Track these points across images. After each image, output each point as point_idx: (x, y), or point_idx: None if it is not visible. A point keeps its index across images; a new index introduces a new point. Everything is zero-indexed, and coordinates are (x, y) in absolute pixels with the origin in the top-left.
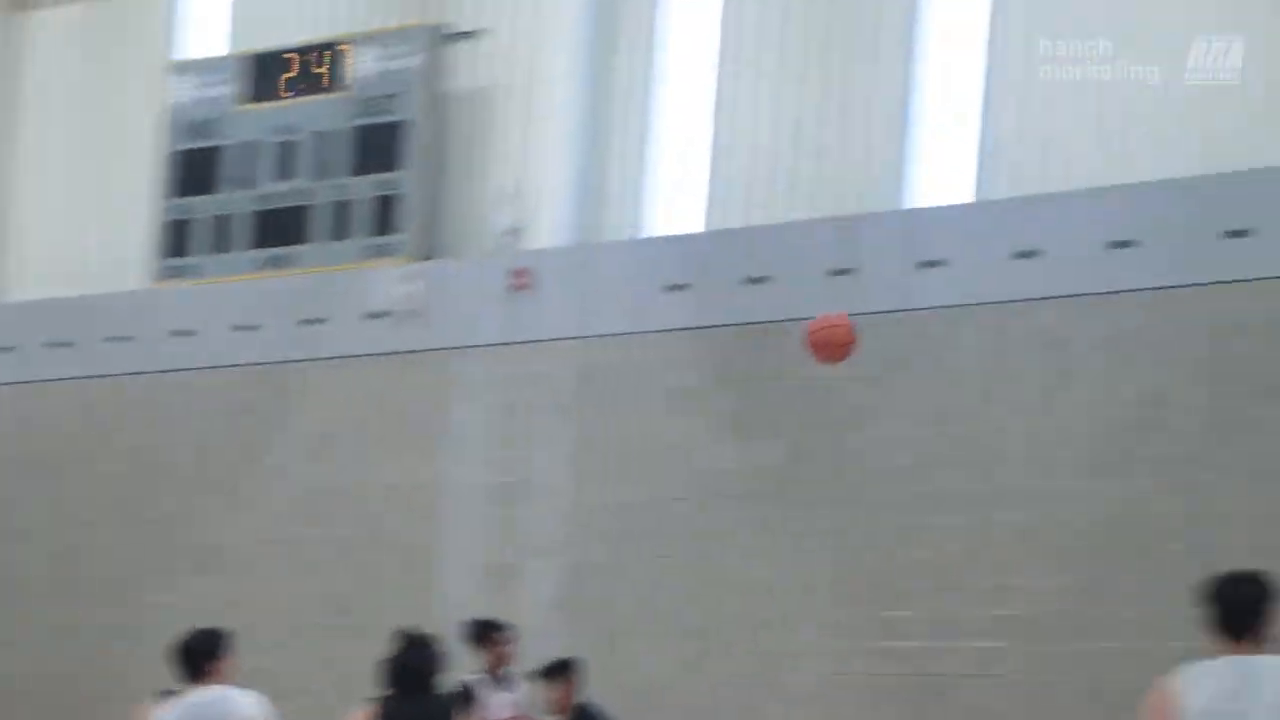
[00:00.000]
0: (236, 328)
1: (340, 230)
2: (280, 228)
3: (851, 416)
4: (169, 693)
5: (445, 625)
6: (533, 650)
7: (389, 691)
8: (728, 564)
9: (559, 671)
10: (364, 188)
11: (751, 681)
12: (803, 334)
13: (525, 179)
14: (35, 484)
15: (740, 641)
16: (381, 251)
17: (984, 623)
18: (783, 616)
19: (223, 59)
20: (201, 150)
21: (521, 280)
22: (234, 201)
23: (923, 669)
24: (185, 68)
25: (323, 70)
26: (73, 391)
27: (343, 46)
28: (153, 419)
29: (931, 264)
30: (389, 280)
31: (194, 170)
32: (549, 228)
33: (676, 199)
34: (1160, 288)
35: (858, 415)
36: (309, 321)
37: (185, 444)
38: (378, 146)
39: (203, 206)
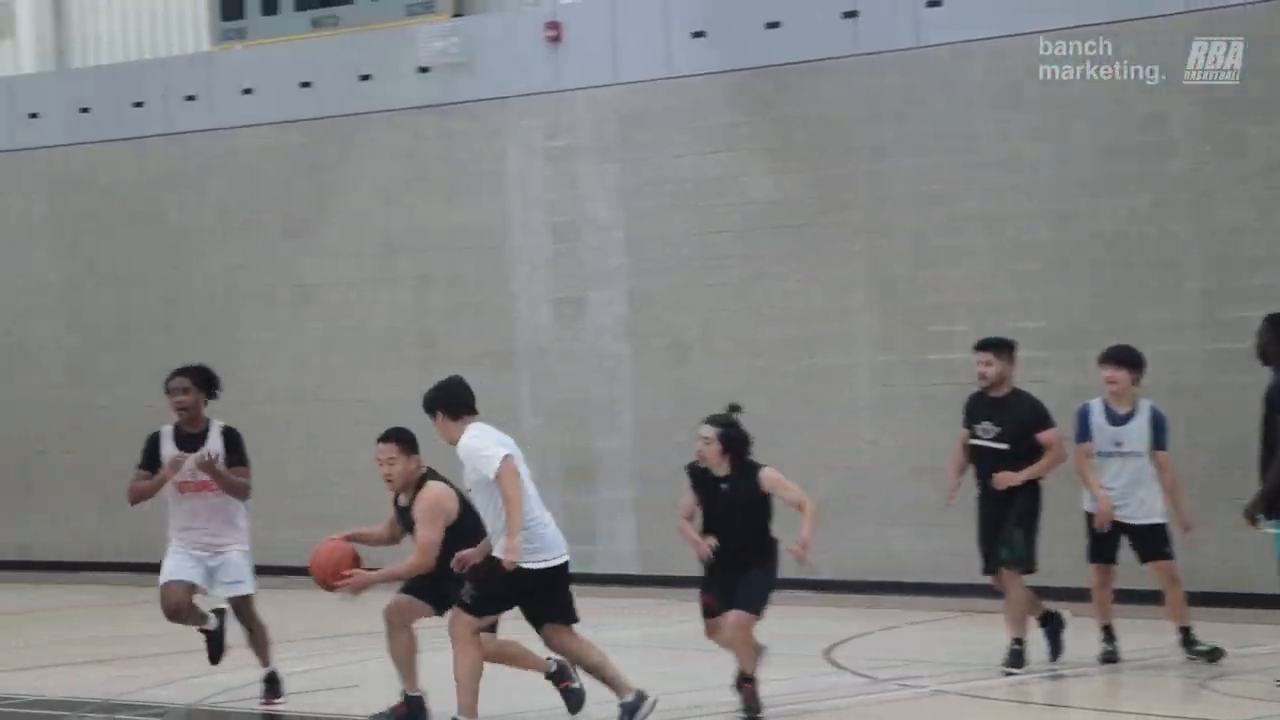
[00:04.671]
0: (296, 85)
1: None
2: None
3: (877, 150)
4: None
5: (524, 354)
6: (598, 372)
7: None
8: (774, 289)
9: None
10: None
11: (807, 397)
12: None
13: None
14: (131, 235)
15: (792, 360)
16: (423, 9)
17: (1018, 334)
18: (830, 336)
19: None
20: None
21: (554, 33)
22: None
23: (967, 379)
24: None
25: None
26: (151, 149)
27: None
28: (229, 173)
29: (938, 2)
30: (429, 36)
31: None
32: None
33: None
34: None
35: (882, 148)
36: (364, 77)
37: (263, 195)
38: None
39: None
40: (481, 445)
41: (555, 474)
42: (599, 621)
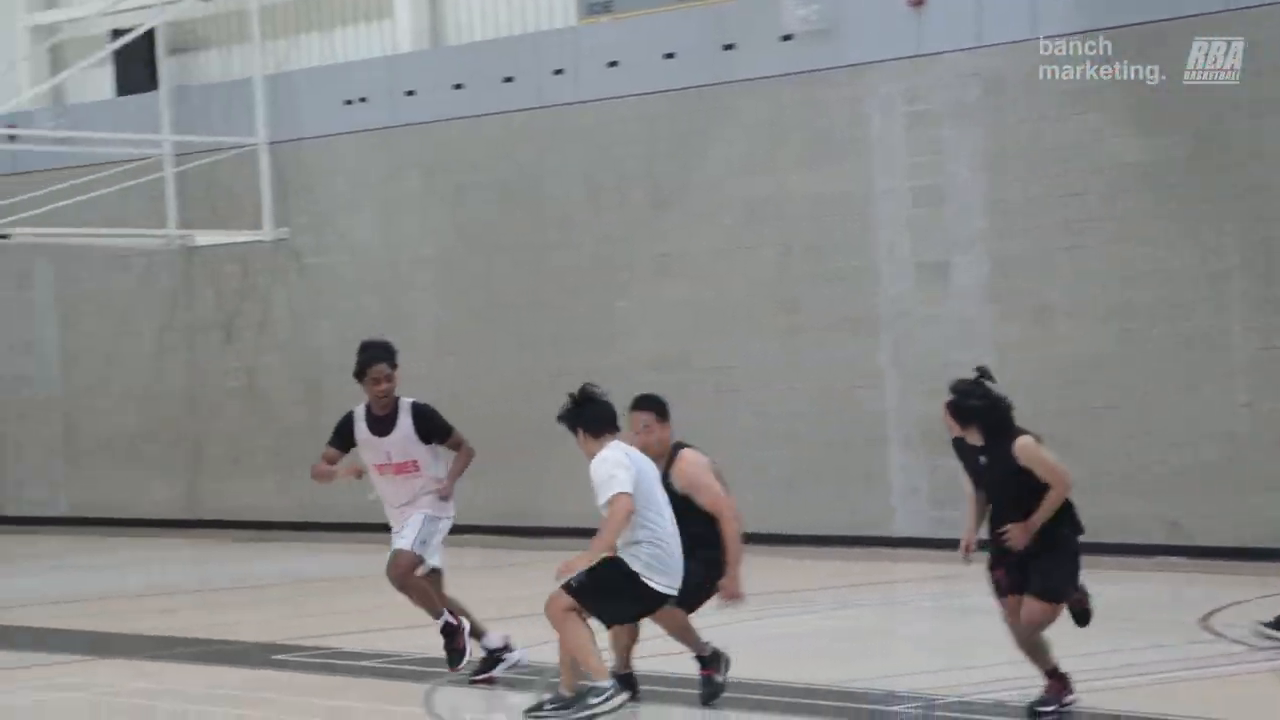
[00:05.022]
0: (660, 56)
1: None
2: None
3: (1255, 108)
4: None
5: (886, 319)
6: (961, 337)
7: None
8: (1140, 252)
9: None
10: None
11: (1175, 361)
12: None
13: None
14: (501, 208)
15: (1160, 323)
16: None
17: None
18: (1199, 299)
19: None
20: None
21: None
22: None
23: None
24: None
25: None
26: (520, 122)
27: None
28: (596, 145)
29: None
30: (792, 4)
31: None
32: None
33: None
34: None
35: (1251, 109)
36: (727, 47)
37: (629, 166)
38: None
39: None
40: (604, 471)
41: (917, 439)
42: (957, 589)
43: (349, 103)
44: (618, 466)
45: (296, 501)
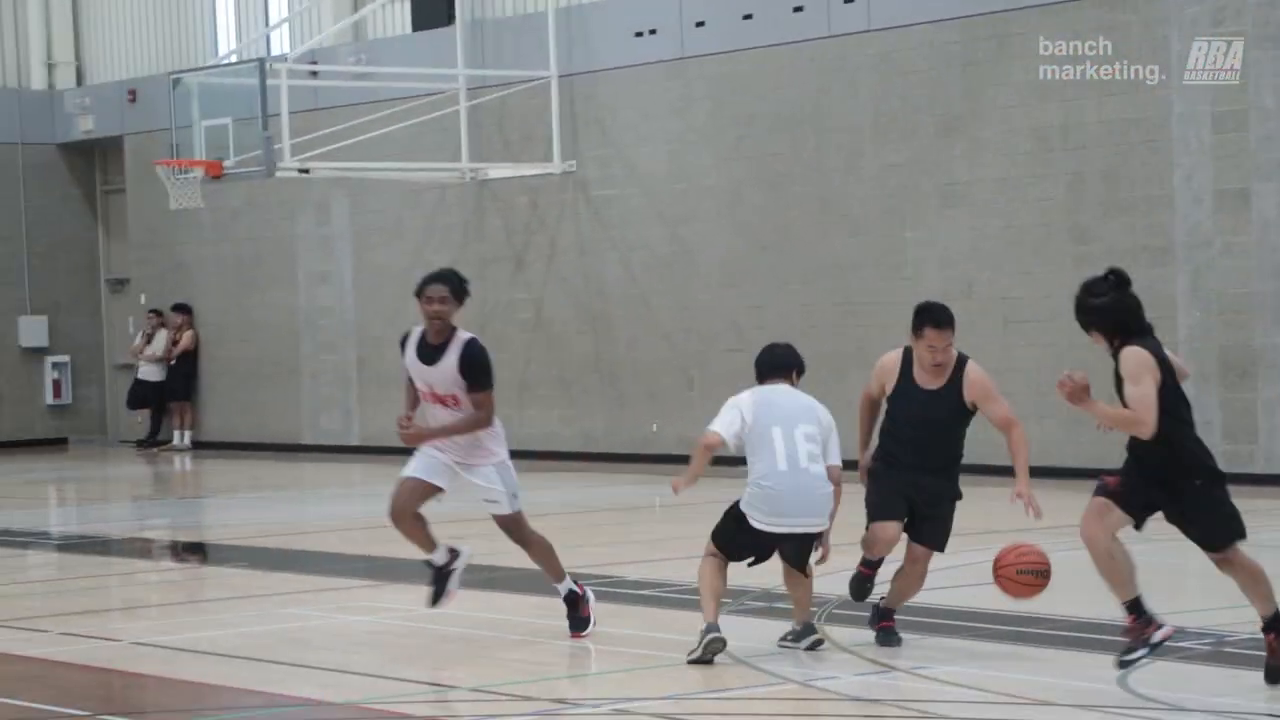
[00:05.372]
0: None
1: None
2: None
3: None
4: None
5: (1183, 249)
6: (1263, 267)
7: None
8: None
9: None
10: None
11: None
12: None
13: None
14: (788, 139)
15: None
16: None
17: None
18: None
19: None
20: None
21: None
22: None
23: None
24: None
25: None
26: (809, 52)
27: None
28: (885, 74)
29: None
30: None
31: None
32: None
33: None
34: None
35: None
36: None
37: (918, 95)
38: None
39: None
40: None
41: (1212, 371)
42: (1255, 526)
43: (639, 35)
44: (729, 408)
45: (581, 432)
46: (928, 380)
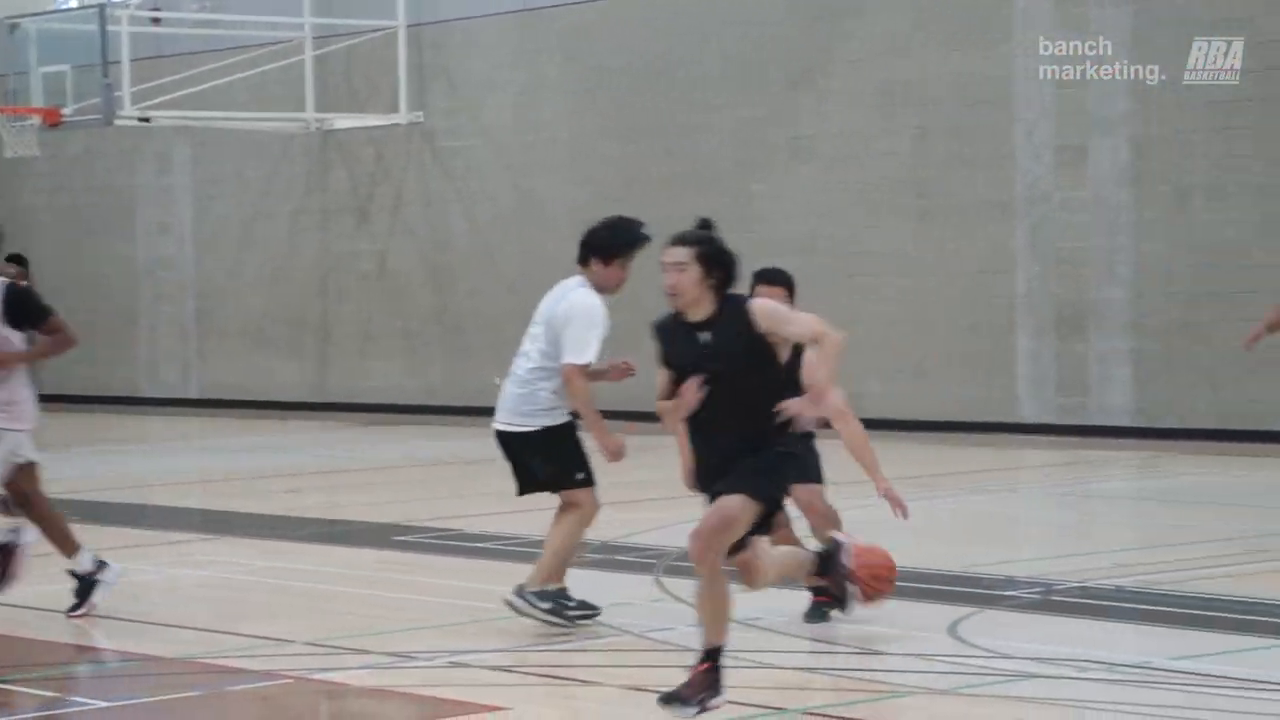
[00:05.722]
0: None
1: None
2: None
3: None
4: None
5: (1023, 203)
6: (1099, 222)
7: None
8: None
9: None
10: None
11: None
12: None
13: None
14: (639, 91)
15: None
16: None
17: None
18: None
19: None
20: None
21: None
22: None
23: None
24: None
25: None
26: (658, 2)
27: None
28: (736, 25)
29: None
30: None
31: None
32: None
33: None
34: None
35: None
36: None
37: (768, 46)
38: None
39: None
40: None
41: (1049, 324)
42: (1085, 476)
43: None
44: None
45: (424, 385)
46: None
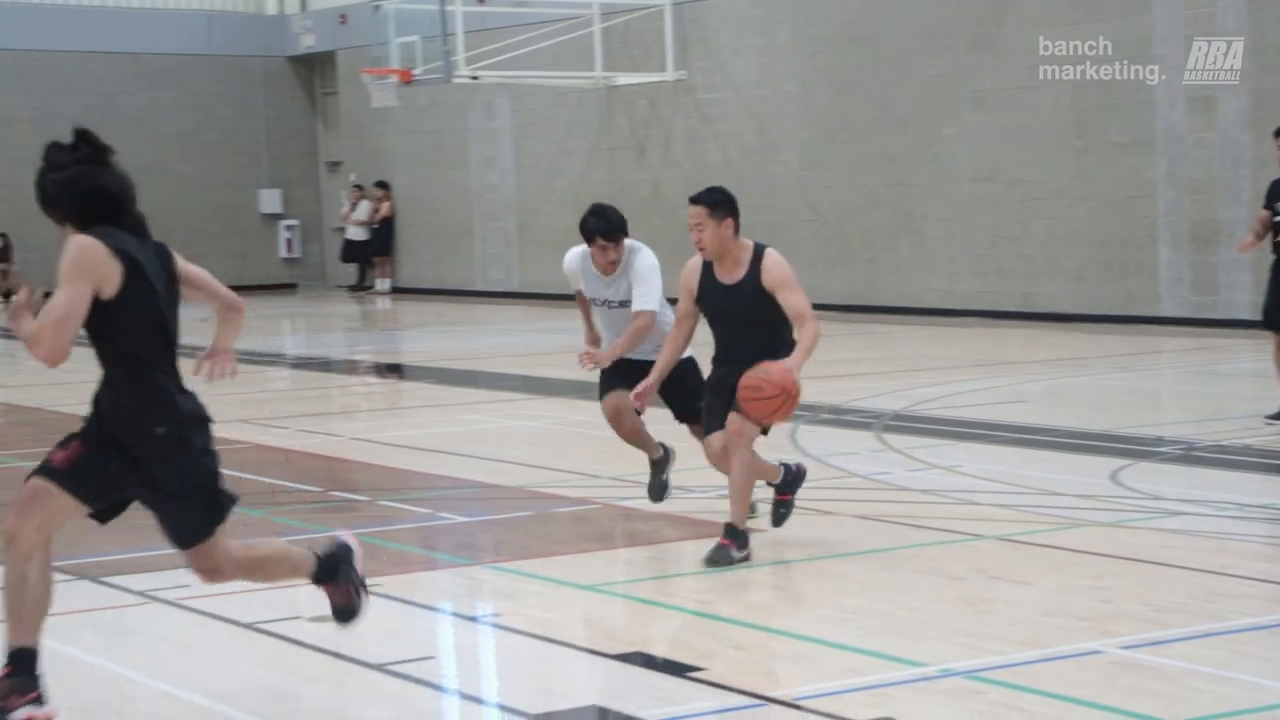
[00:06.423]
0: None
1: None
2: None
3: None
4: None
5: (1162, 142)
6: (1227, 157)
7: None
8: None
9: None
10: None
11: None
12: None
13: None
14: (850, 54)
15: None
16: None
17: None
18: None
19: None
20: None
21: None
22: None
23: None
24: None
25: None
26: None
27: None
28: (931, 2)
29: None
30: None
31: None
32: None
33: None
34: None
35: None
36: None
37: (953, 18)
38: None
39: None
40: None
41: (1184, 239)
42: (1215, 360)
43: None
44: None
45: None
46: (726, 275)
